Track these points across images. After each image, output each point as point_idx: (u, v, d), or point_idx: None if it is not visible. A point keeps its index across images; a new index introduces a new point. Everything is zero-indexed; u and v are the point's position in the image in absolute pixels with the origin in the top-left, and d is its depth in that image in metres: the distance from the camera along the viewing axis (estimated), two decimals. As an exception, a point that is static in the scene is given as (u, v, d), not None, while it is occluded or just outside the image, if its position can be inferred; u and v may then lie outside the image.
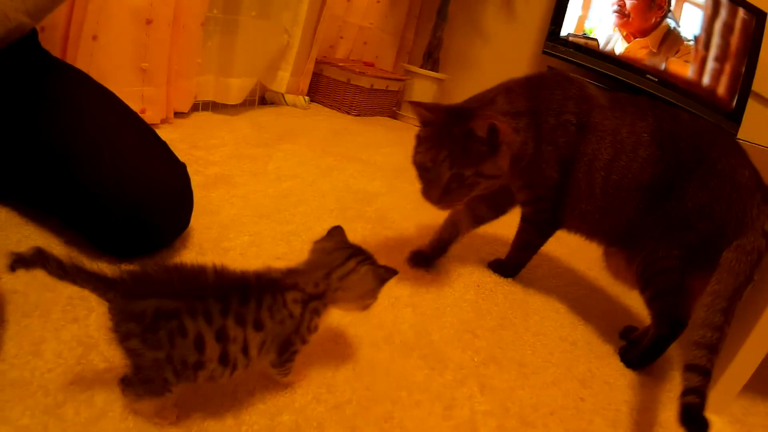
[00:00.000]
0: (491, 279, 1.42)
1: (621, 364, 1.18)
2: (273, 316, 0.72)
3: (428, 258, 1.38)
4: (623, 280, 1.28)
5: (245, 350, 0.71)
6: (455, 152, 1.06)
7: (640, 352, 1.19)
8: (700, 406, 0.82)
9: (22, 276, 0.91)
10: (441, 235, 1.39)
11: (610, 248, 1.27)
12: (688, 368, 0.88)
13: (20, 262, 0.62)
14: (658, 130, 1.16)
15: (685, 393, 0.84)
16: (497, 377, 1.02)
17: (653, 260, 1.14)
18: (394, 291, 1.21)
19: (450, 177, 1.07)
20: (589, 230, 1.28)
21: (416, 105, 1.10)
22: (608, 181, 1.18)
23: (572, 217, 1.26)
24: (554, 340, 1.20)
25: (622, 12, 2.91)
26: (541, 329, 1.23)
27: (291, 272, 0.78)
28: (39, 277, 0.92)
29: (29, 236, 1.05)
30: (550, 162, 1.20)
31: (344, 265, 0.80)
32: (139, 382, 0.68)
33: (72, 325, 0.85)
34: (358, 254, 0.82)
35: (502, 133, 1.07)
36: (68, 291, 0.92)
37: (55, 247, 1.04)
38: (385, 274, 0.82)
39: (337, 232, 0.87)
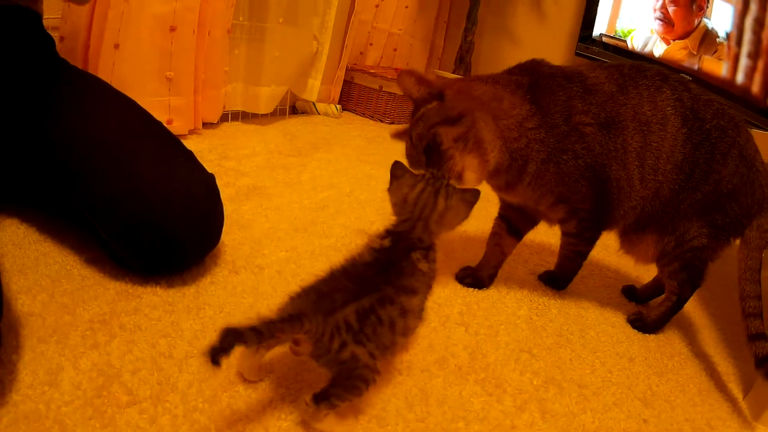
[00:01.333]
0: (543, 292, 1.35)
1: (679, 379, 1.12)
2: (416, 277, 0.80)
3: (480, 280, 1.31)
4: (645, 261, 1.31)
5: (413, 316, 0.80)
6: (414, 137, 1.10)
7: (658, 317, 1.28)
8: None
9: (40, 297, 0.87)
10: (489, 259, 1.32)
11: (635, 234, 1.24)
12: (755, 337, 1.04)
13: (221, 352, 0.60)
14: (678, 102, 1.15)
15: (764, 360, 1.01)
16: (558, 401, 0.95)
17: (685, 240, 1.18)
18: (444, 309, 1.15)
19: (425, 157, 1.07)
20: (628, 222, 1.23)
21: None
22: (644, 167, 1.15)
23: (615, 217, 1.21)
24: (612, 357, 1.13)
25: (666, 20, 2.82)
26: (599, 345, 1.16)
27: (397, 236, 0.83)
28: (57, 298, 0.87)
29: (48, 253, 1.01)
30: (573, 173, 1.13)
31: (435, 209, 0.84)
32: (346, 389, 0.72)
33: (92, 352, 0.79)
34: (439, 188, 0.85)
35: (446, 89, 1.08)
36: (88, 314, 0.86)
37: (76, 265, 0.99)
38: (472, 198, 0.87)
39: (400, 170, 0.89)
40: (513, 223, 1.29)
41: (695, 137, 1.14)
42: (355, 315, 0.71)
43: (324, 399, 0.71)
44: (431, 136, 1.05)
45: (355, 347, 0.71)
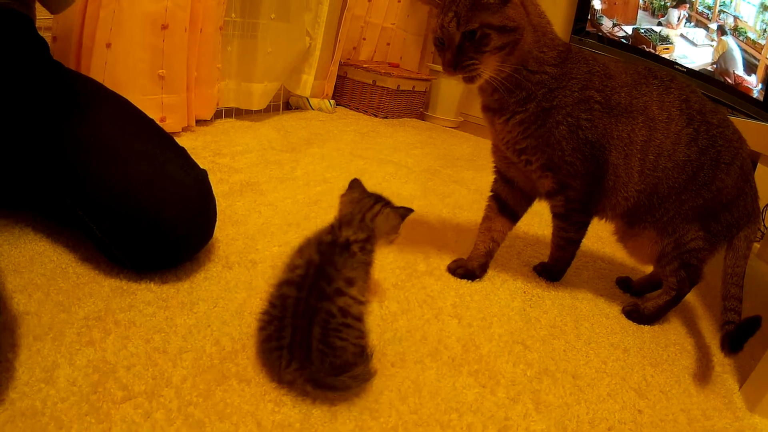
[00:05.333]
0: (536, 284, 1.35)
1: (675, 370, 1.12)
2: (354, 267, 0.85)
3: (471, 271, 1.30)
4: (642, 257, 1.34)
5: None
6: (461, 10, 1.04)
7: (655, 309, 1.29)
8: (739, 333, 1.06)
9: (36, 295, 0.87)
10: (479, 247, 1.32)
11: (631, 228, 1.27)
12: (727, 324, 1.11)
13: None
14: (685, 104, 1.18)
15: (729, 331, 1.08)
16: (552, 392, 0.95)
17: (683, 242, 1.22)
18: (437, 302, 1.15)
19: (460, 37, 1.04)
20: (618, 212, 1.24)
21: None
22: (645, 162, 1.17)
23: (606, 205, 1.23)
24: (606, 348, 1.13)
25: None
26: (593, 337, 1.16)
27: (339, 228, 0.90)
28: (52, 296, 0.88)
29: (43, 252, 1.01)
30: (570, 141, 1.13)
31: (372, 209, 0.93)
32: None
33: (87, 349, 0.79)
34: (381, 199, 0.97)
35: None
36: (83, 312, 0.87)
37: (70, 264, 0.99)
38: (404, 212, 0.97)
39: (356, 183, 1.00)
40: (504, 200, 1.29)
41: (702, 141, 1.16)
42: (321, 330, 0.78)
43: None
44: (481, 34, 1.04)
45: (343, 342, 0.79)
